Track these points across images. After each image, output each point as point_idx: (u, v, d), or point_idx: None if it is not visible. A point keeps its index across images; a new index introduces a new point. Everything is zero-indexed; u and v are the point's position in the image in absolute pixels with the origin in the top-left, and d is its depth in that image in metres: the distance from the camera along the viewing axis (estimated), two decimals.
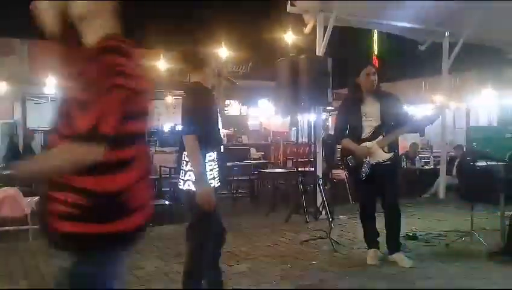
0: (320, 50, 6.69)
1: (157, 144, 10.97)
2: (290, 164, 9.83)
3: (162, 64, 10.43)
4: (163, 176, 8.16)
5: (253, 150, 11.85)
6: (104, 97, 1.47)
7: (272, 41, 9.26)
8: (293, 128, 11.36)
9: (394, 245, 4.34)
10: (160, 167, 8.20)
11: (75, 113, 1.51)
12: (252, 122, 15.31)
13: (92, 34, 1.63)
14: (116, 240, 1.59)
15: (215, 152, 2.88)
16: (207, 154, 2.79)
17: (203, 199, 2.69)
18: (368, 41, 12.19)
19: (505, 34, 7.73)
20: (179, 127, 3.12)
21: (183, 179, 2.84)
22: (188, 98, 2.89)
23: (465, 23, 7.26)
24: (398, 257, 4.29)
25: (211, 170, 2.84)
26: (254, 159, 10.63)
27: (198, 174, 2.70)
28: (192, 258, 2.87)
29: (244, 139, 13.60)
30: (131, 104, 1.54)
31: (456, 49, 7.68)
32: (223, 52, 9.70)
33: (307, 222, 6.21)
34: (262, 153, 11.92)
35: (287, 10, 6.61)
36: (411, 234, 5.29)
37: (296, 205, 6.51)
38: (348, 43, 11.07)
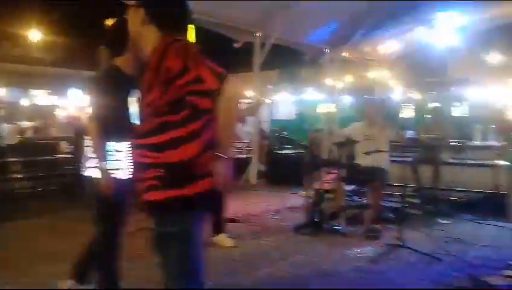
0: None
1: None
2: None
3: None
4: None
5: (63, 144, 10.90)
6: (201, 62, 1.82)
7: (89, 28, 8.67)
8: None
9: (218, 228, 4.60)
10: None
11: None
12: (62, 114, 14.06)
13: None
14: (192, 202, 1.83)
15: (127, 142, 2.64)
16: (117, 143, 2.63)
17: (102, 187, 2.59)
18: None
19: (301, 36, 8.80)
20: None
21: (87, 166, 2.71)
22: (96, 81, 2.71)
23: (271, 26, 8.03)
24: (221, 238, 4.57)
25: (119, 160, 2.65)
26: (63, 153, 9.77)
27: (98, 161, 2.60)
28: (96, 248, 2.76)
29: (54, 132, 12.42)
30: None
31: (265, 49, 8.42)
32: (35, 35, 8.64)
33: None
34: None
35: None
36: (231, 217, 5.65)
37: None
38: None
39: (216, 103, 1.81)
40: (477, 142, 6.62)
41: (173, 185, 1.82)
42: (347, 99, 12.14)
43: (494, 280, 3.35)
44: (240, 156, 10.29)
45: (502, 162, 6.35)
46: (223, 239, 4.55)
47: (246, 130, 10.52)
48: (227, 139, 1.88)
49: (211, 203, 1.95)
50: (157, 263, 1.92)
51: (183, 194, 1.82)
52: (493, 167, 6.37)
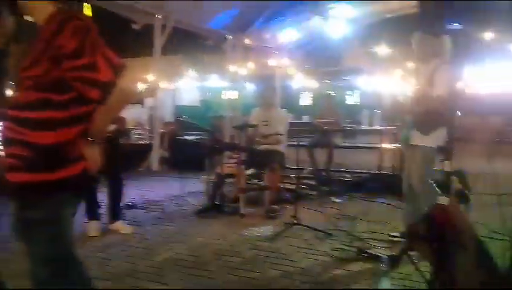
0: None
1: None
2: None
3: None
4: None
5: None
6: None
7: None
8: None
9: (115, 215, 4.47)
10: None
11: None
12: None
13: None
14: (60, 186, 1.73)
15: None
16: None
17: None
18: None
19: (202, 20, 8.72)
20: None
21: None
22: None
23: (172, 8, 7.84)
24: (118, 225, 4.43)
25: None
26: None
27: None
28: None
29: None
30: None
31: (166, 32, 8.21)
32: None
33: None
34: None
35: None
36: (130, 204, 5.52)
37: None
38: None
39: (106, 95, 1.71)
40: (365, 127, 7.11)
41: (41, 167, 1.70)
42: (250, 86, 12.36)
43: (379, 251, 3.64)
44: (142, 142, 10.00)
45: (387, 145, 6.91)
46: (119, 226, 4.43)
47: (143, 116, 10.22)
48: (103, 125, 1.82)
49: (81, 188, 1.87)
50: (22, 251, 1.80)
51: (52, 178, 1.71)
52: (380, 149, 6.91)
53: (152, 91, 4.43)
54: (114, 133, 4.26)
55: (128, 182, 6.94)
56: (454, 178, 2.59)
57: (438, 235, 2.55)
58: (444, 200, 2.57)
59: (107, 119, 1.83)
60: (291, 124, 6.01)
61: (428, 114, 3.48)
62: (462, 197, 2.61)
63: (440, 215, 2.56)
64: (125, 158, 8.28)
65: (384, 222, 4.66)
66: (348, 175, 7.20)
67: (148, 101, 11.55)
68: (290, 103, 13.60)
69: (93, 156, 1.79)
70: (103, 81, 1.69)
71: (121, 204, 4.64)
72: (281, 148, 5.54)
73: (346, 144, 7.46)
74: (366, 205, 5.70)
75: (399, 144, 4.04)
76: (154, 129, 9.36)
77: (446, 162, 2.47)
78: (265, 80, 9.96)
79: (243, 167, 5.20)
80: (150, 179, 7.84)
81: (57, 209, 1.76)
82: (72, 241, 1.87)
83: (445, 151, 2.48)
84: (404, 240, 3.47)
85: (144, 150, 9.31)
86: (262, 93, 5.82)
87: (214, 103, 14.58)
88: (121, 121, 4.41)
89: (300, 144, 5.39)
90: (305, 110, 15.06)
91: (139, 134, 10.68)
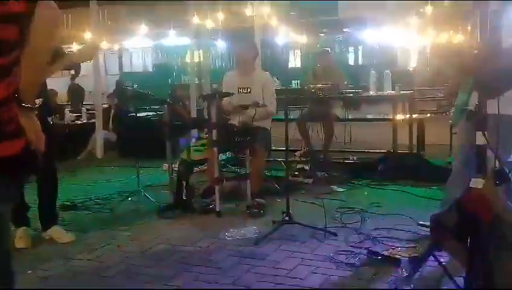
0: None
1: None
2: None
3: None
4: None
5: None
6: None
7: None
8: None
9: (49, 219, 4.43)
10: None
11: None
12: None
13: None
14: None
15: None
16: None
17: None
18: None
19: None
20: None
21: None
22: None
23: None
24: (54, 231, 4.41)
25: None
26: None
27: None
28: None
29: None
30: None
31: None
32: None
33: None
34: None
35: None
36: (69, 204, 5.48)
37: None
38: None
39: (26, 33, 1.69)
40: (373, 93, 7.16)
41: None
42: (220, 44, 12.26)
43: (398, 253, 3.68)
44: (79, 121, 9.90)
45: (402, 116, 6.98)
46: (56, 233, 4.40)
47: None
48: (34, 81, 1.80)
49: (22, 174, 1.86)
50: None
51: None
52: (393, 121, 6.96)
53: (90, 53, 4.30)
54: (41, 109, 4.18)
55: (64, 174, 6.93)
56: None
57: (470, 227, 2.60)
58: (477, 182, 2.62)
59: (38, 72, 1.81)
60: (277, 91, 6.01)
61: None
62: (502, 177, 2.64)
63: (473, 202, 2.61)
64: (59, 143, 8.23)
65: (401, 215, 4.71)
66: (352, 156, 7.25)
67: (85, 68, 11.40)
68: (275, 65, 13.57)
69: (33, 126, 1.77)
70: (16, 12, 1.67)
71: (57, 204, 4.59)
72: (265, 123, 5.53)
73: (349, 116, 7.48)
74: (377, 193, 5.76)
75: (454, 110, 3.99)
76: (95, 104, 9.26)
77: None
78: (241, 34, 9.87)
79: (215, 150, 5.18)
80: (93, 170, 7.78)
81: None
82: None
83: None
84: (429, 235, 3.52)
85: (84, 132, 9.21)
86: (238, 52, 5.77)
87: (172, 67, 14.47)
88: (49, 93, 4.34)
89: (290, 117, 5.38)
90: (295, 73, 15.08)
91: (75, 111, 10.55)
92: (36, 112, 1.84)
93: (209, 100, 5.16)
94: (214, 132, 5.02)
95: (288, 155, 4.99)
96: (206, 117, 5.64)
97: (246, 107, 5.16)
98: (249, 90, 5.49)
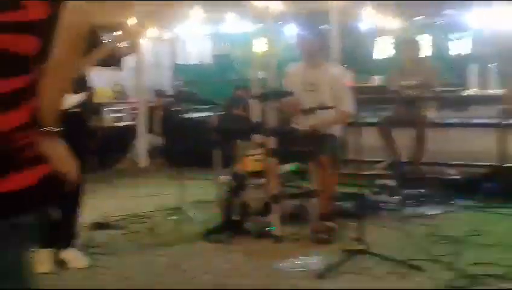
0: None
1: None
2: None
3: None
4: None
5: None
6: None
7: None
8: None
9: (66, 239, 4.51)
10: None
11: None
12: None
13: None
14: (15, 203, 1.66)
15: None
16: None
17: None
18: None
19: None
20: None
21: None
22: None
23: None
24: (70, 254, 4.48)
25: None
26: None
27: None
28: None
29: None
30: None
31: None
32: None
33: None
34: None
35: None
36: (101, 222, 5.58)
37: None
38: None
39: (48, 44, 1.69)
40: (475, 91, 6.95)
41: None
42: (289, 30, 12.21)
43: None
44: (121, 124, 10.08)
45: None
46: (72, 256, 4.47)
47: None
48: (57, 100, 1.82)
49: (45, 205, 1.87)
50: None
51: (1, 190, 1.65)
52: (501, 127, 6.72)
53: (134, 44, 4.35)
54: (78, 109, 4.29)
55: (100, 186, 7.10)
56: None
57: None
58: None
59: (60, 86, 1.82)
60: (356, 89, 5.92)
61: None
62: None
63: None
64: (95, 149, 8.44)
65: (510, 247, 4.58)
66: (450, 170, 7.05)
67: (129, 61, 11.61)
68: (358, 57, 13.42)
69: (59, 152, 1.78)
70: (35, 20, 1.66)
71: (86, 222, 4.73)
72: (335, 129, 5.44)
73: (446, 120, 7.30)
74: (480, 218, 5.62)
75: None
76: (139, 103, 9.43)
77: None
78: (307, 21, 9.80)
79: (275, 160, 5.16)
80: (132, 182, 7.92)
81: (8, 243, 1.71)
82: None
83: None
84: None
85: (125, 136, 9.39)
86: (299, 42, 5.70)
87: (235, 59, 14.55)
88: (87, 91, 4.43)
89: (369, 121, 5.29)
90: (381, 67, 14.81)
91: (117, 111, 10.76)
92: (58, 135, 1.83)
93: (263, 100, 5.12)
94: (272, 139, 4.99)
95: (366, 168, 4.91)
96: (264, 121, 5.62)
97: (312, 110, 5.11)
98: (315, 88, 5.40)
